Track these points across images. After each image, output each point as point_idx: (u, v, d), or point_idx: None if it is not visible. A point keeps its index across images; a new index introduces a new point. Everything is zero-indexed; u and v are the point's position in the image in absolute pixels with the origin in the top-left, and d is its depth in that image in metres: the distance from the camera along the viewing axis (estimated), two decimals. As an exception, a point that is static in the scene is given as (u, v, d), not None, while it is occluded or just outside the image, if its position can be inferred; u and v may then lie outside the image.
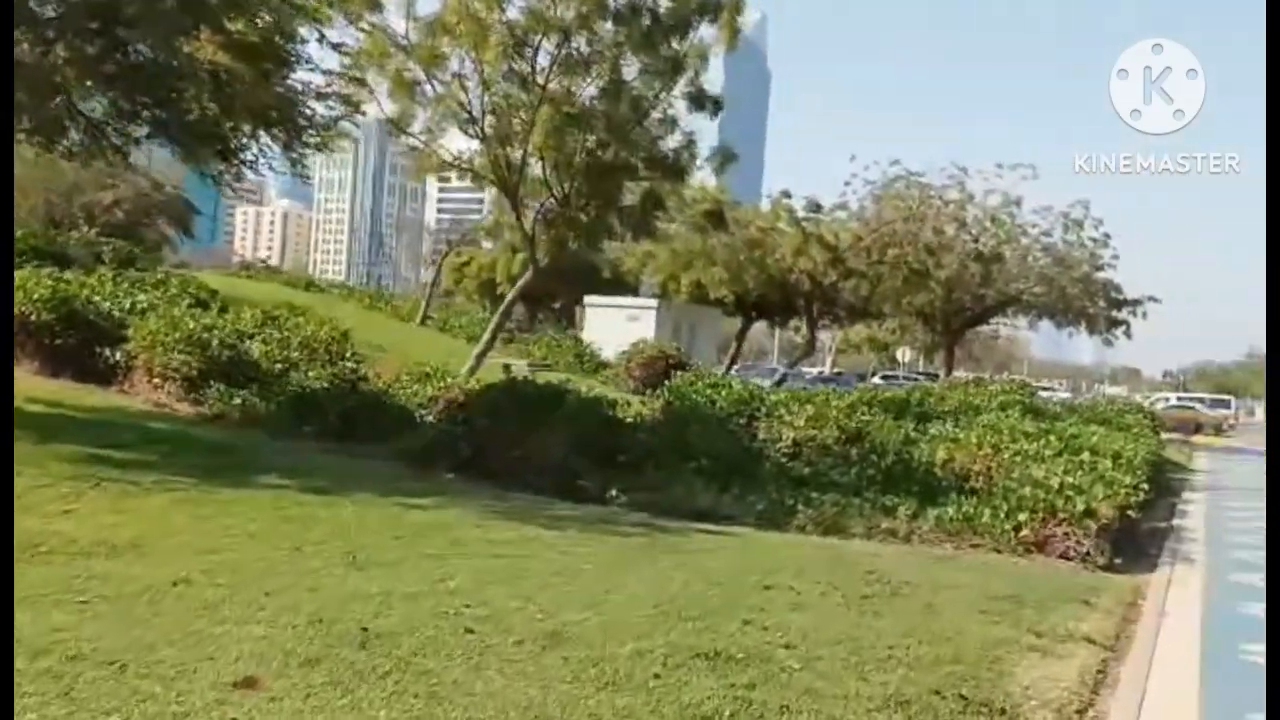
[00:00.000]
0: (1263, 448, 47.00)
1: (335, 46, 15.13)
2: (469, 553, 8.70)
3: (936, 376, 53.09)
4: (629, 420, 15.88)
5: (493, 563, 8.36)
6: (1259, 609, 9.49)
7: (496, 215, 26.06)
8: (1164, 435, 35.43)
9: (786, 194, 40.82)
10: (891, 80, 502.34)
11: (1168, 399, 69.73)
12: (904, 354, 75.95)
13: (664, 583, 8.22)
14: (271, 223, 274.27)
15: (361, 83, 18.19)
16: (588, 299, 44.94)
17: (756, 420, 16.83)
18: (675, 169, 24.23)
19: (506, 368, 17.16)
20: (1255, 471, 31.08)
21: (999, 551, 11.47)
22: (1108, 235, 45.18)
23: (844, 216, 42.46)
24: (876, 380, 63.10)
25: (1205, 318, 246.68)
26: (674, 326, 44.73)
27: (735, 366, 74.44)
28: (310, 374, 18.40)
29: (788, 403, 17.41)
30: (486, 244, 58.80)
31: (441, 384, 18.90)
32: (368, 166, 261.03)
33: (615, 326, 41.70)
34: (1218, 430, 54.50)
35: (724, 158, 25.60)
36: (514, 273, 56.60)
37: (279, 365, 18.92)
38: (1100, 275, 46.22)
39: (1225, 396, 77.06)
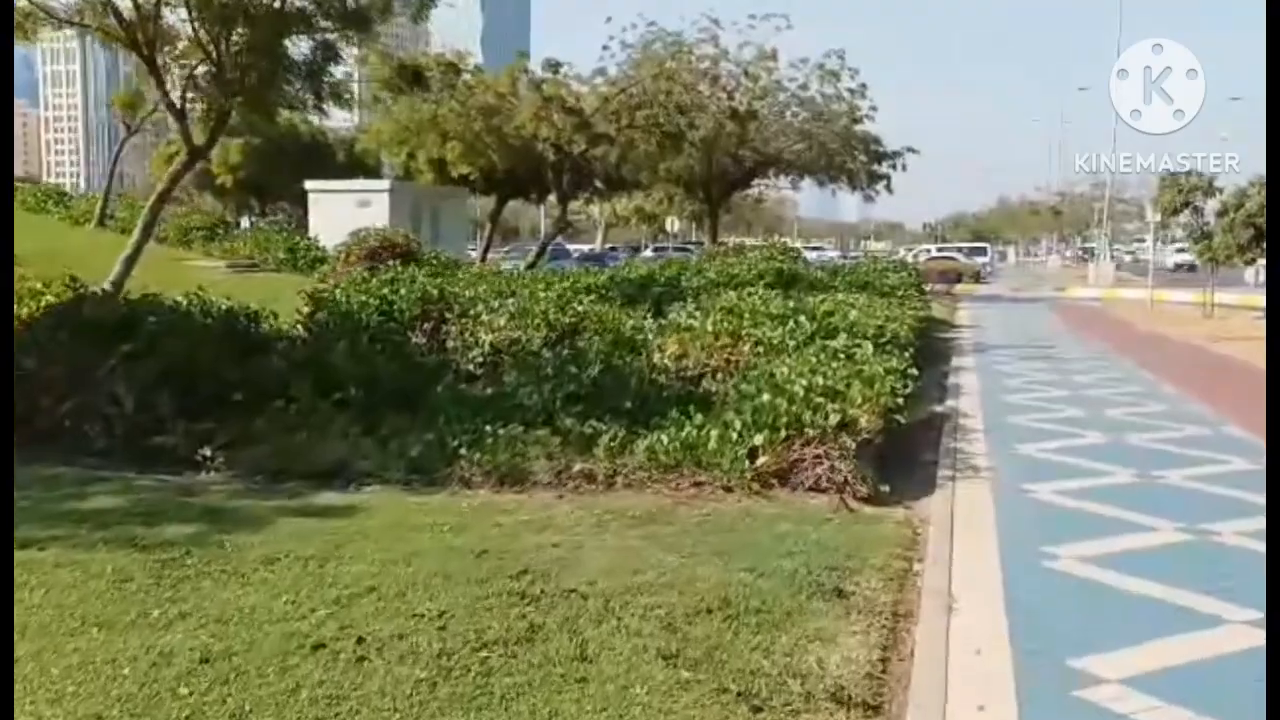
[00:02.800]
0: (1017, 293, 47.55)
1: None
2: None
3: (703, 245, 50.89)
4: (265, 340, 11.89)
5: None
6: (1073, 552, 6.79)
7: (138, 83, 20.84)
8: (930, 287, 34.36)
9: (524, 54, 36.59)
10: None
11: (928, 250, 70.75)
12: (673, 224, 73.44)
13: (120, 667, 4.60)
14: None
15: None
16: (309, 184, 39.43)
17: (447, 324, 13.23)
18: (355, 17, 19.71)
19: (73, 281, 12.70)
20: (1015, 321, 30.11)
21: (730, 490, 8.38)
22: (865, 86, 43.29)
23: (601, 84, 38.77)
24: (648, 254, 60.73)
25: (958, 169, 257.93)
26: (413, 211, 39.97)
27: (505, 249, 70.34)
28: None
29: (488, 298, 13.86)
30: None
31: (40, 305, 14.28)
32: (97, 57, 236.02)
33: (344, 215, 36.54)
34: (976, 278, 55.15)
35: (422, 2, 21.16)
36: (232, 161, 50.26)
37: None
38: (859, 128, 44.47)
39: (981, 244, 79.19)
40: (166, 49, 20.26)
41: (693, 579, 5.96)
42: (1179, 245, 44.05)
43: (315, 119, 64.16)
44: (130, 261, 19.45)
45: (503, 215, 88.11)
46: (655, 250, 67.95)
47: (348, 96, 21.81)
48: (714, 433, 8.82)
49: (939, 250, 71.59)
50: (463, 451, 8.79)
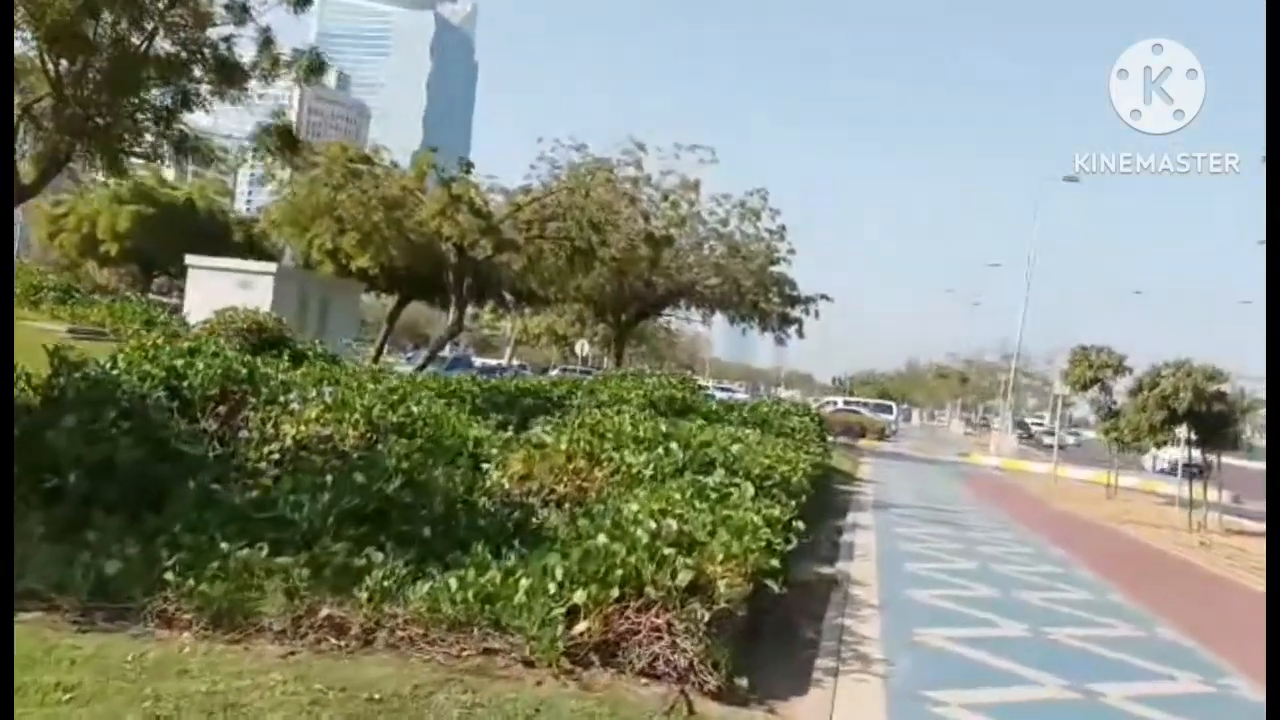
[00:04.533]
0: (920, 454, 46.37)
1: None
2: None
3: (610, 371, 49.07)
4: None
5: None
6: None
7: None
8: (831, 439, 32.86)
9: (433, 149, 34.92)
10: (592, 69, 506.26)
11: (835, 402, 70.04)
12: (583, 347, 71.61)
13: None
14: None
15: None
16: (190, 259, 36.77)
17: (246, 409, 10.79)
18: (222, 65, 17.65)
19: None
20: (918, 481, 28.52)
21: (531, 664, 6.07)
22: (784, 228, 42.64)
23: (518, 195, 37.33)
24: (554, 373, 58.70)
25: (870, 330, 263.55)
26: (300, 299, 37.52)
27: (408, 355, 67.56)
28: None
29: (306, 384, 11.50)
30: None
31: None
32: None
33: (222, 293, 33.98)
34: (881, 434, 54.11)
35: (310, 65, 19.16)
36: (120, 227, 47.31)
37: None
38: (775, 269, 43.63)
39: (888, 402, 78.93)
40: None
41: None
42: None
43: (225, 199, 61.76)
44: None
45: (415, 321, 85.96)
46: (563, 371, 66.17)
47: (211, 154, 19.54)
48: (524, 582, 6.53)
49: (846, 403, 70.96)
50: (169, 576, 6.33)
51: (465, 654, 6.15)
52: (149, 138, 18.18)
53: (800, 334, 45.77)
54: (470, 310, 77.13)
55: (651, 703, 5.79)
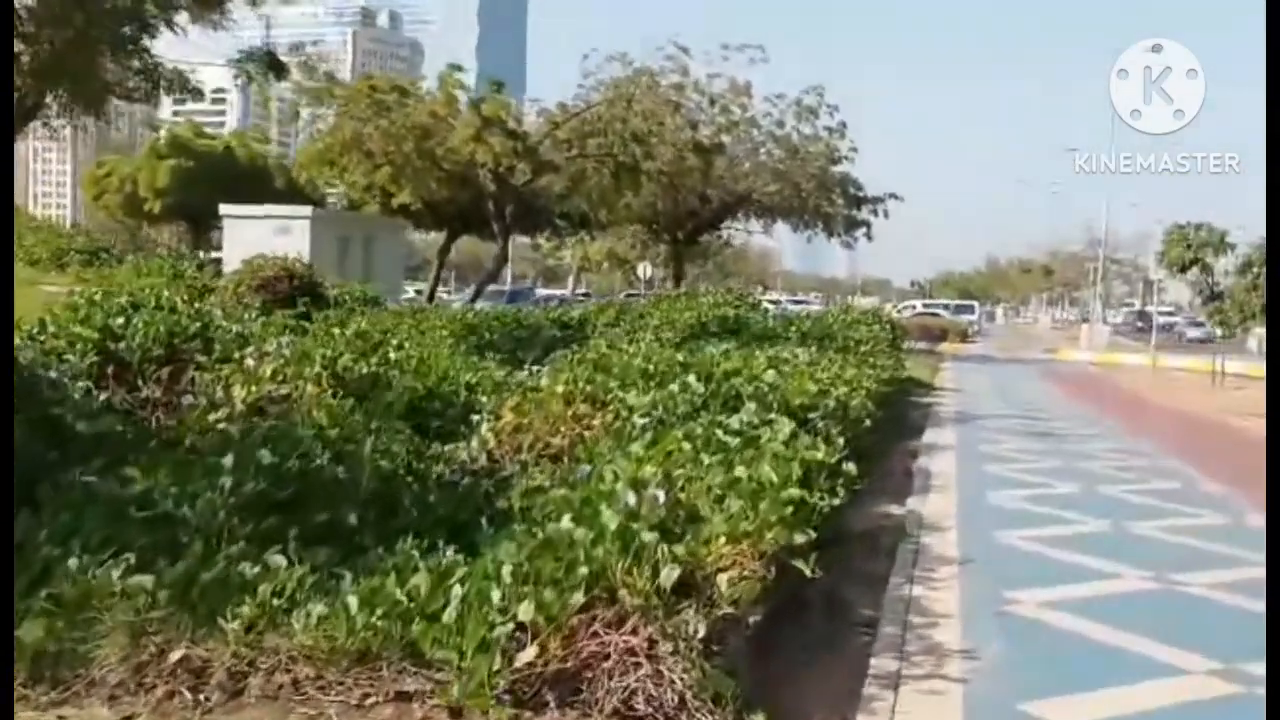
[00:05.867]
0: (1005, 354, 43.79)
1: None
2: None
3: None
4: None
5: None
6: None
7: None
8: (910, 345, 30.81)
9: (457, 67, 32.92)
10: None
11: (913, 306, 67.29)
12: (645, 270, 69.47)
13: None
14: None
15: None
16: (224, 209, 35.50)
17: (191, 367, 9.21)
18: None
19: None
20: (1004, 386, 26.29)
21: (458, 714, 4.33)
22: (844, 124, 39.78)
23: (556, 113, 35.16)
24: (618, 299, 56.96)
25: (947, 225, 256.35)
26: (341, 242, 36.06)
27: (467, 291, 66.54)
28: None
29: (267, 335, 9.86)
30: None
31: None
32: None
33: (261, 242, 32.66)
34: (963, 336, 51.60)
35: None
36: (159, 183, 46.32)
37: None
38: (837, 170, 40.90)
39: (969, 302, 75.73)
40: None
41: None
42: None
43: (270, 145, 60.52)
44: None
45: (477, 256, 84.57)
46: (628, 296, 64.45)
47: (189, 87, 17.92)
48: (456, 590, 4.76)
49: (925, 306, 68.10)
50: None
51: (371, 702, 4.44)
52: (130, 76, 16.64)
53: (869, 237, 43.27)
54: (528, 240, 75.40)
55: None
